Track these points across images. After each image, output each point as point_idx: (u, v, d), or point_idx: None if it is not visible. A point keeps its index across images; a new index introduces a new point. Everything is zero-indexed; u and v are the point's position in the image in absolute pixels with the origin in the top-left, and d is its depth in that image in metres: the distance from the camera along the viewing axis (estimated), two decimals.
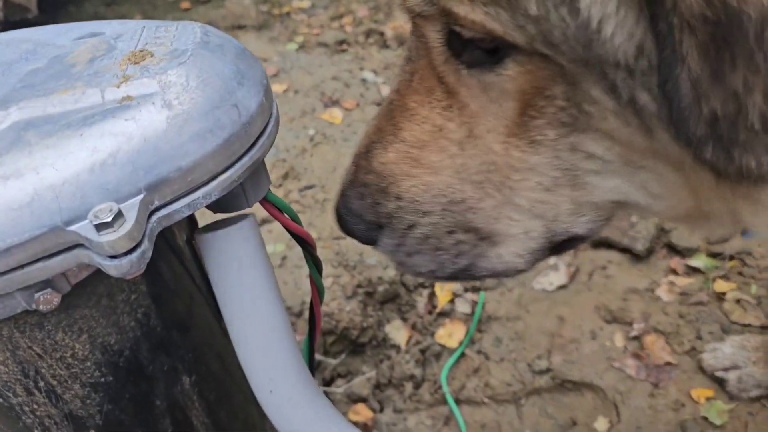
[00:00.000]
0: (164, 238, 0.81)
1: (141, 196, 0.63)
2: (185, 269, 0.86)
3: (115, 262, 0.61)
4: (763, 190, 0.62)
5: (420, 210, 0.74)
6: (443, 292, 2.03)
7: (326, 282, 2.03)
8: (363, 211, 0.78)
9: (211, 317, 0.94)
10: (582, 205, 0.71)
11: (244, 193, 0.76)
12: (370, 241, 0.81)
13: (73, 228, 0.61)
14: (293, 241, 2.35)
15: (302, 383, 0.77)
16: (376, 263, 2.06)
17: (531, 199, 0.70)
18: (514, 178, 0.69)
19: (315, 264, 1.08)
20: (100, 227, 0.60)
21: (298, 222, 0.96)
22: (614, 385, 1.75)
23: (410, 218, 0.75)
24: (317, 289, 1.17)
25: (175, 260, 0.84)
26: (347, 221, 0.81)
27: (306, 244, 1.00)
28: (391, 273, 2.01)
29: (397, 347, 1.95)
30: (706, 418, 1.63)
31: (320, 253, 2.26)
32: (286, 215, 0.91)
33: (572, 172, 0.67)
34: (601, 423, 1.69)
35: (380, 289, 1.99)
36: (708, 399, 1.66)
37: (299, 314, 1.99)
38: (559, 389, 1.79)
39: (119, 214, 0.61)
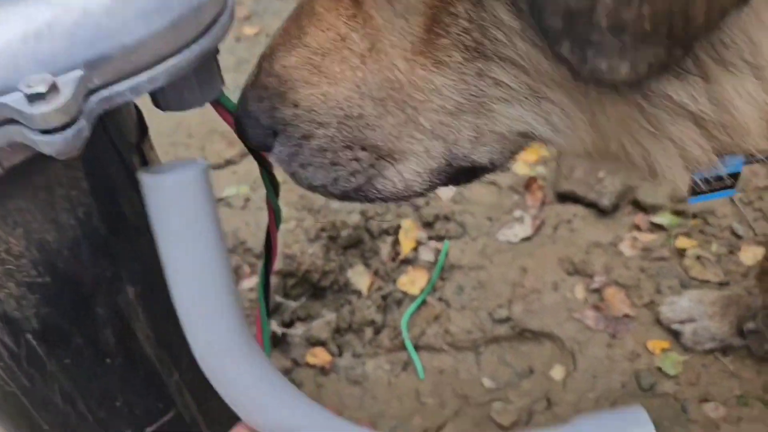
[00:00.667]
0: (109, 137, 0.77)
1: (79, 72, 0.59)
2: (131, 175, 0.82)
3: (48, 137, 0.57)
4: (670, 123, 0.61)
5: (316, 120, 0.72)
6: (407, 239, 2.01)
7: (289, 225, 1.99)
8: (259, 115, 0.74)
9: None
10: (484, 134, 0.69)
11: (194, 88, 0.72)
12: (264, 146, 0.77)
13: (3, 99, 0.57)
14: (257, 183, 2.31)
15: (242, 343, 0.73)
16: (341, 208, 2.02)
17: (433, 121, 0.68)
18: (418, 97, 0.66)
19: (272, 184, 1.04)
20: (32, 98, 0.55)
21: None
22: (573, 335, 1.76)
23: (305, 128, 0.72)
24: (274, 213, 1.13)
25: (121, 163, 0.80)
26: (243, 123, 0.77)
27: (262, 160, 0.96)
28: (355, 218, 1.98)
29: (358, 292, 1.93)
30: (660, 369, 1.65)
31: (284, 197, 2.22)
32: None
33: (477, 99, 0.65)
34: (558, 371, 1.71)
35: (344, 233, 1.97)
36: (663, 350, 1.69)
37: (260, 255, 1.95)
38: (518, 338, 1.80)
39: (54, 87, 0.56)
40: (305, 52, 0.70)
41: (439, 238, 2.03)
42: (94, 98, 0.61)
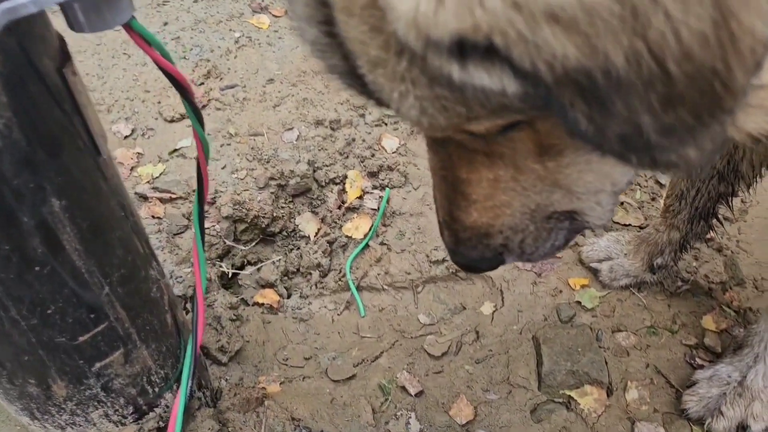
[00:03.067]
0: (27, 57, 0.85)
1: None
2: (52, 96, 0.90)
3: None
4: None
5: (517, 229, 0.92)
6: (353, 188, 2.11)
7: (240, 175, 2.09)
8: (482, 254, 0.96)
9: (85, 151, 0.99)
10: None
11: (103, 10, 0.80)
12: (501, 263, 0.99)
13: None
14: (210, 136, 2.37)
15: None
16: (290, 158, 2.12)
17: (581, 183, 0.86)
18: (560, 177, 0.84)
19: (195, 114, 1.12)
20: None
21: (169, 60, 1.00)
22: (502, 274, 1.88)
23: (518, 237, 0.93)
24: (201, 144, 1.22)
25: (41, 83, 0.88)
26: (477, 268, 1.05)
27: (180, 87, 1.04)
28: (303, 167, 2.08)
29: (306, 238, 2.04)
30: (579, 303, 1.78)
31: (236, 148, 2.31)
32: (155, 50, 0.95)
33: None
34: (487, 307, 1.83)
35: (292, 182, 2.06)
36: (583, 286, 1.82)
37: (212, 202, 2.04)
38: (452, 278, 1.92)
39: None
40: (479, 205, 0.90)
41: (383, 188, 2.13)
42: None
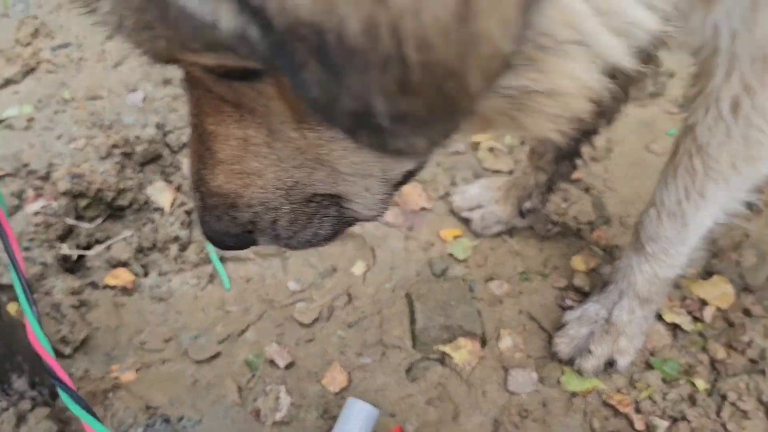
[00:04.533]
0: None
1: None
2: None
3: None
4: (528, 101, 0.67)
5: (270, 206, 0.80)
6: None
7: (78, 144, 1.86)
8: (227, 228, 0.83)
9: None
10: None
11: None
12: (251, 243, 0.87)
13: None
14: (42, 102, 2.11)
15: None
16: (135, 122, 1.91)
17: (350, 163, 0.76)
18: (323, 152, 0.73)
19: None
20: None
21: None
22: (373, 232, 1.79)
23: (267, 216, 0.81)
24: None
25: None
26: (220, 241, 0.87)
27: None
28: (151, 132, 1.88)
29: (160, 210, 1.85)
30: (451, 255, 1.73)
31: (72, 114, 2.07)
32: None
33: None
34: (359, 267, 1.74)
35: (139, 149, 1.86)
36: (455, 237, 1.76)
37: (46, 177, 1.81)
38: None
39: None
40: (225, 167, 0.78)
41: None
42: None
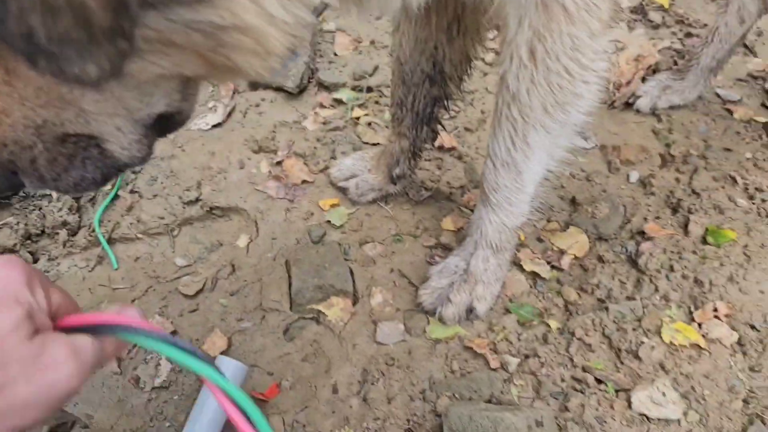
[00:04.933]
0: None
1: None
2: None
3: None
4: (224, 36, 0.71)
5: (24, 144, 0.79)
6: None
7: None
8: None
9: None
10: (132, 99, 0.80)
11: None
12: (19, 186, 0.85)
13: None
14: None
15: None
16: None
17: (93, 101, 0.77)
18: (64, 92, 0.74)
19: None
20: None
21: None
22: (256, 205, 1.87)
23: (24, 155, 0.80)
24: None
25: None
26: None
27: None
28: None
29: (48, 196, 1.89)
30: (329, 222, 1.81)
31: None
32: None
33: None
34: (243, 240, 1.81)
35: None
36: (333, 206, 1.85)
37: None
38: (208, 217, 1.87)
39: None
40: None
41: None
42: None
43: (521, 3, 1.08)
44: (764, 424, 1.36)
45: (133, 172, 1.95)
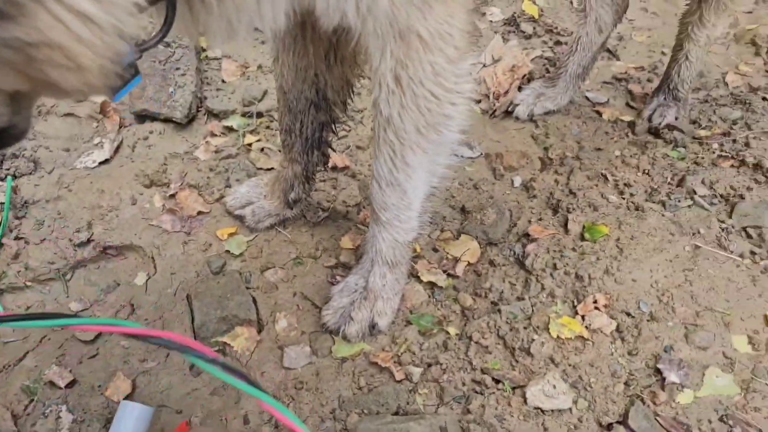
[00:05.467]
0: None
1: None
2: None
3: None
4: (39, 52, 0.71)
5: None
6: None
7: None
8: None
9: None
10: None
11: None
12: None
13: None
14: None
15: None
16: None
17: None
18: None
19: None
20: None
21: None
22: (152, 241, 1.84)
23: None
24: None
25: None
26: None
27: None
28: None
29: None
30: (228, 251, 1.81)
31: None
32: None
33: None
34: (140, 278, 1.78)
35: None
36: (231, 235, 1.85)
37: None
38: (102, 257, 1.83)
39: None
40: None
41: (14, 177, 1.94)
42: None
43: (380, 34, 1.14)
44: (644, 403, 1.50)
45: (17, 218, 1.87)
